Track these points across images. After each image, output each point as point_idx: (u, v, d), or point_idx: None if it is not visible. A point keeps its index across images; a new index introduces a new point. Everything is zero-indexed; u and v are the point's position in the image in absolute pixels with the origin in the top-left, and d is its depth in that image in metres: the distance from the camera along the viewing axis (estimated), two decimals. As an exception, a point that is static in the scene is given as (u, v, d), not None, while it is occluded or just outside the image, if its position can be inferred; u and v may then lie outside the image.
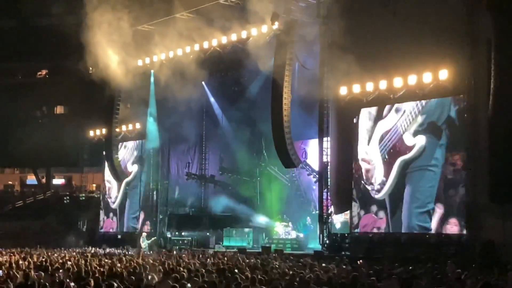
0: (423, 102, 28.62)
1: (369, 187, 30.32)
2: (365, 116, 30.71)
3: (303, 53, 33.56)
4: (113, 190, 45.83)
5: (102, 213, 46.68)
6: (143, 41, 37.59)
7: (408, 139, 29.02)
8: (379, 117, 30.26)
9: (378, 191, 29.91)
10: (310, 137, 36.53)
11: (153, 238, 38.76)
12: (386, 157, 29.69)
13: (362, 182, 30.63)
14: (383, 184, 29.72)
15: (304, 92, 34.14)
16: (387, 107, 29.95)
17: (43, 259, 25.12)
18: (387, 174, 29.63)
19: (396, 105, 29.65)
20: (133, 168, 44.63)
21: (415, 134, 28.76)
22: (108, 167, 43.70)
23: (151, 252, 33.77)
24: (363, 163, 30.52)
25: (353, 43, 28.03)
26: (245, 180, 42.11)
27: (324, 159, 31.86)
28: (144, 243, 37.52)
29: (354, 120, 31.01)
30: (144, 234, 38.59)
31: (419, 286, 15.08)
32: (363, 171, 30.55)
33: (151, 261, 23.54)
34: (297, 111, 33.66)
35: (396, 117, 29.57)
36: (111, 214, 45.82)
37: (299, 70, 34.53)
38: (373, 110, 30.44)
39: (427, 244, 27.47)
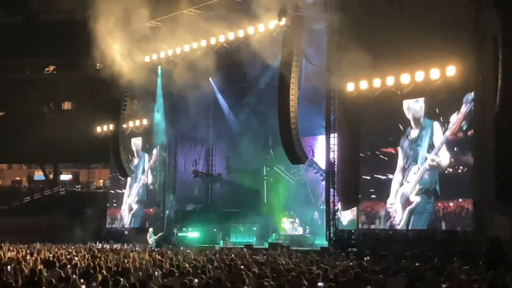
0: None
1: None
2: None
3: (310, 49, 33.55)
4: (122, 186, 45.95)
5: (108, 209, 46.78)
6: (150, 37, 37.61)
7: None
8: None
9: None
10: (319, 133, 36.47)
11: (159, 234, 38.81)
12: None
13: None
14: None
15: (311, 88, 34.21)
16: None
17: (50, 255, 25.22)
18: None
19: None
20: (140, 164, 44.69)
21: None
22: (115, 163, 43.75)
23: (158, 248, 33.82)
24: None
25: (360, 39, 27.97)
26: (252, 178, 42.06)
27: (331, 156, 31.84)
28: (151, 239, 37.58)
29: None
30: (151, 230, 38.63)
31: (426, 282, 15.09)
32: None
33: (158, 257, 23.61)
34: (304, 107, 33.64)
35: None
36: (118, 210, 45.91)
37: (306, 66, 34.51)
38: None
39: (434, 241, 27.44)
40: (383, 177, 30.48)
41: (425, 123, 28.93)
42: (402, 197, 29.36)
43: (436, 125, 28.43)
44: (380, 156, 30.73)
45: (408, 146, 29.52)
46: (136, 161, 44.90)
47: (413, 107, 29.42)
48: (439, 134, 28.28)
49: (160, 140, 42.36)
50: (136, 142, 45.03)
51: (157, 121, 42.13)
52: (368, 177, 31.05)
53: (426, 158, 28.60)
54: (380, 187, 30.56)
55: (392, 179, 29.96)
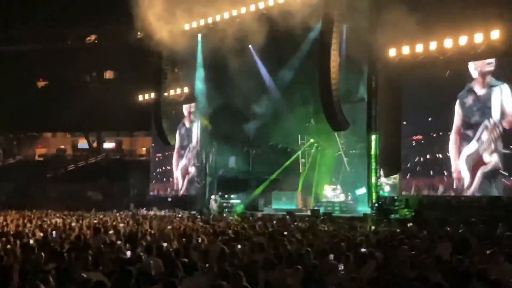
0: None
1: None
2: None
3: (351, 14, 33.12)
4: (165, 153, 46.32)
5: (152, 176, 47.24)
6: (190, 5, 37.51)
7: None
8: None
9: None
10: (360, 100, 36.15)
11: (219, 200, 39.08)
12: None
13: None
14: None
15: (352, 54, 33.84)
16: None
17: (95, 221, 25.61)
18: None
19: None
20: (183, 132, 44.94)
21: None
22: (157, 131, 44.02)
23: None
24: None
25: (402, 3, 27.55)
26: (293, 146, 41.87)
27: (373, 122, 31.61)
28: (216, 203, 37.92)
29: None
30: (213, 196, 38.89)
31: (471, 247, 14.97)
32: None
33: (201, 224, 23.83)
34: (345, 73, 33.35)
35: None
36: (163, 176, 46.34)
37: (346, 31, 34.10)
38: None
39: (477, 207, 27.18)
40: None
41: (494, 83, 28.08)
42: (470, 158, 28.39)
43: (506, 87, 27.60)
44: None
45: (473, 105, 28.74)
46: (179, 128, 45.07)
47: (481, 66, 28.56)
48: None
49: (202, 107, 42.42)
50: (180, 110, 45.12)
51: (199, 90, 42.17)
52: (414, 143, 30.75)
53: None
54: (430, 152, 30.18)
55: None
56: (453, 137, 29.03)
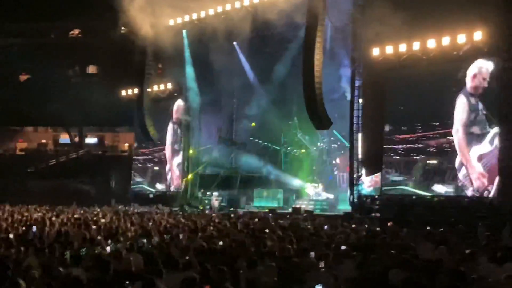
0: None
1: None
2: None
3: (335, 12, 33.18)
4: (147, 149, 46.21)
5: (133, 172, 47.12)
6: (174, 1, 37.44)
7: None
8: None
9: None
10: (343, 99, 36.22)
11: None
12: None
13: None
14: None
15: (336, 52, 33.98)
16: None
17: (76, 216, 25.52)
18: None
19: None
20: (166, 128, 44.84)
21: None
22: (139, 126, 43.87)
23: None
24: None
25: (385, 3, 27.61)
26: (276, 145, 41.91)
27: (355, 121, 31.71)
28: (218, 201, 37.94)
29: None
30: (215, 193, 38.86)
31: (450, 247, 15.05)
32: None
33: (182, 220, 23.80)
34: (329, 71, 33.42)
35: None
36: (144, 172, 46.24)
37: (331, 30, 34.18)
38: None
39: (458, 207, 27.33)
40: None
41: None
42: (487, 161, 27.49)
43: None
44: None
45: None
46: (162, 125, 45.01)
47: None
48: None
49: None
50: (162, 106, 45.03)
51: (185, 86, 42.15)
52: (396, 143, 30.91)
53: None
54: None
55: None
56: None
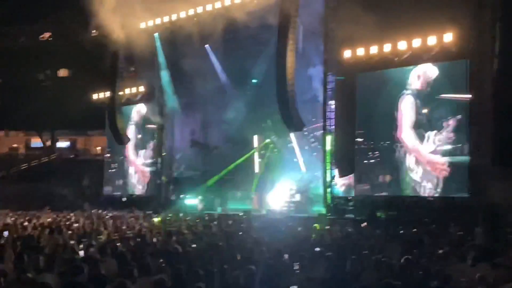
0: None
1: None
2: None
3: (307, 15, 33.31)
4: (120, 152, 46.00)
5: (106, 175, 46.85)
6: (146, 4, 37.30)
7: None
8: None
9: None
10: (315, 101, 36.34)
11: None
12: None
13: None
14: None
15: (308, 54, 34.13)
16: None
17: (49, 221, 25.32)
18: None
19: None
20: (138, 131, 44.67)
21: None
22: (111, 130, 43.64)
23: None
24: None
25: (357, 6, 27.76)
26: (249, 147, 41.94)
27: (328, 123, 31.83)
28: (201, 204, 37.89)
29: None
30: (200, 197, 38.76)
31: (423, 248, 15.18)
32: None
33: (157, 223, 23.73)
34: (303, 77, 33.60)
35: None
36: (117, 176, 46.02)
37: (303, 32, 34.30)
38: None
39: (431, 207, 27.52)
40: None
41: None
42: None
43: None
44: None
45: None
46: (133, 128, 44.84)
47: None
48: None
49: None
50: (136, 109, 44.88)
51: (158, 89, 42.04)
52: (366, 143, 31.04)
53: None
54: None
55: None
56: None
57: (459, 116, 27.04)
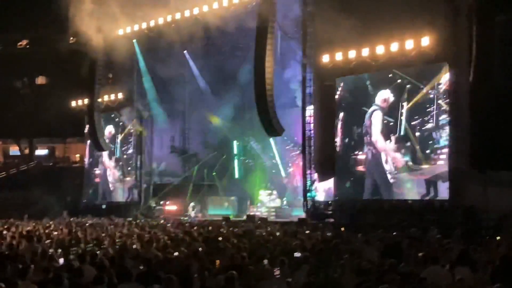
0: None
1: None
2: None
3: (285, 21, 33.40)
4: (99, 160, 45.83)
5: (85, 183, 46.62)
6: (124, 10, 37.22)
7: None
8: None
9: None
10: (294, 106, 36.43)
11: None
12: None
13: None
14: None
15: (286, 59, 34.22)
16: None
17: (28, 230, 25.10)
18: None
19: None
20: (117, 139, 44.55)
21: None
22: (90, 137, 43.46)
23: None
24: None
25: (334, 11, 27.89)
26: (228, 153, 41.99)
27: (307, 128, 31.89)
28: (194, 211, 37.80)
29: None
30: (192, 204, 38.66)
31: (402, 251, 15.22)
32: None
33: (137, 231, 23.61)
34: (280, 80, 33.65)
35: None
36: (97, 183, 45.82)
37: (281, 38, 34.36)
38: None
39: (410, 211, 27.66)
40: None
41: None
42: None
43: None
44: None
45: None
46: (112, 134, 44.72)
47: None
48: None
49: (137, 113, 42.26)
50: (120, 116, 44.75)
51: (137, 95, 41.95)
52: (345, 148, 31.19)
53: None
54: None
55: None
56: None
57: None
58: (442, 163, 27.40)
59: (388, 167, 29.41)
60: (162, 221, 32.12)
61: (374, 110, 30.26)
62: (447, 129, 27.28)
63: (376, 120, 30.22)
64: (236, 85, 38.50)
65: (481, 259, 13.41)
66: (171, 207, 39.98)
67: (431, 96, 27.91)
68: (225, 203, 38.83)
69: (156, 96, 41.93)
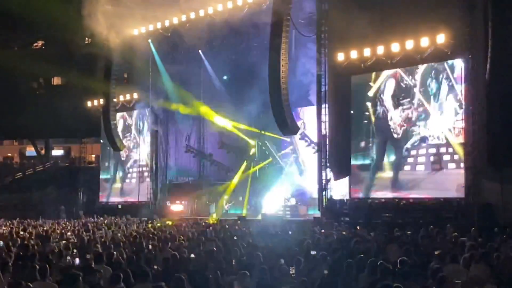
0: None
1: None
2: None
3: (300, 19, 33.34)
4: (114, 159, 45.98)
5: (101, 183, 46.75)
6: (139, 11, 37.33)
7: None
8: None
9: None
10: (309, 104, 36.38)
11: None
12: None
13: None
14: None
15: (302, 58, 34.15)
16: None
17: (44, 230, 25.24)
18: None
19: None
20: (133, 138, 44.67)
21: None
22: (106, 137, 43.59)
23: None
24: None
25: (350, 9, 27.80)
26: (243, 153, 41.99)
27: (323, 126, 31.80)
28: (227, 205, 37.95)
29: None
30: (226, 197, 38.82)
31: (419, 249, 15.18)
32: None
33: (152, 230, 23.68)
34: (294, 78, 33.57)
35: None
36: (112, 184, 45.94)
37: (296, 36, 34.29)
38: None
39: (426, 209, 27.52)
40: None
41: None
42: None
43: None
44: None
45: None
46: (130, 134, 44.84)
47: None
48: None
49: (153, 112, 42.40)
50: (130, 115, 44.89)
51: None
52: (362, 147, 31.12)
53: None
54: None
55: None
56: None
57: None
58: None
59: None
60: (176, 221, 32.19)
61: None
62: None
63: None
64: (251, 84, 38.40)
65: (498, 256, 13.34)
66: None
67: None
68: (240, 203, 38.97)
69: (171, 95, 41.97)
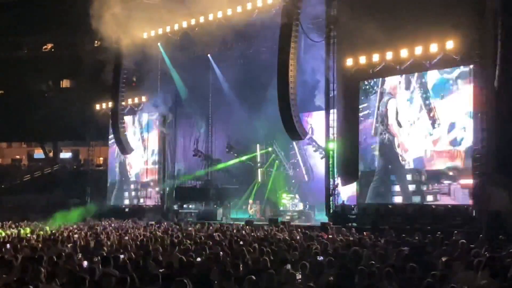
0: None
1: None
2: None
3: (309, 24, 33.33)
4: (122, 162, 46.03)
5: (109, 186, 46.82)
6: (148, 14, 37.43)
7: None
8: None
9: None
10: (317, 110, 36.36)
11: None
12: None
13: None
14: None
15: (310, 63, 34.13)
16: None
17: (52, 233, 25.28)
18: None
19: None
20: (141, 141, 44.74)
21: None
22: (114, 140, 43.70)
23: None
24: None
25: (359, 14, 27.81)
26: (252, 157, 42.02)
27: (331, 131, 31.77)
28: (252, 209, 37.98)
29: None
30: (251, 200, 38.88)
31: (426, 255, 15.13)
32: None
33: (159, 234, 23.67)
34: (303, 83, 33.56)
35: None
36: (120, 187, 45.99)
37: (305, 41, 34.29)
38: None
39: (434, 215, 27.45)
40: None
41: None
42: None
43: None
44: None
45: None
46: (136, 137, 44.93)
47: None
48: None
49: (161, 116, 42.48)
50: (144, 119, 44.98)
51: (160, 98, 42.07)
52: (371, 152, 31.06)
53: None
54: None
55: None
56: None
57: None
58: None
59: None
60: (182, 224, 32.17)
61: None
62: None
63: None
64: (260, 89, 38.40)
65: (506, 264, 13.29)
66: (193, 210, 40.01)
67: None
68: (248, 207, 38.97)
69: (180, 99, 42.04)
